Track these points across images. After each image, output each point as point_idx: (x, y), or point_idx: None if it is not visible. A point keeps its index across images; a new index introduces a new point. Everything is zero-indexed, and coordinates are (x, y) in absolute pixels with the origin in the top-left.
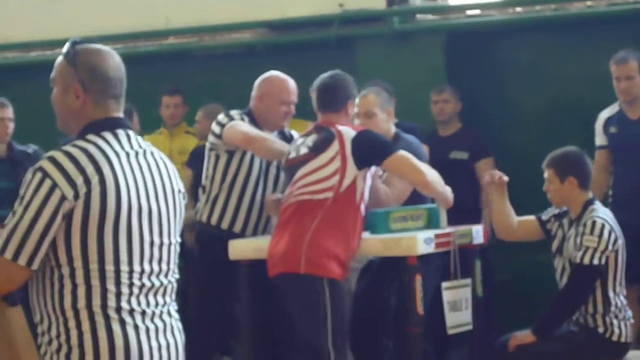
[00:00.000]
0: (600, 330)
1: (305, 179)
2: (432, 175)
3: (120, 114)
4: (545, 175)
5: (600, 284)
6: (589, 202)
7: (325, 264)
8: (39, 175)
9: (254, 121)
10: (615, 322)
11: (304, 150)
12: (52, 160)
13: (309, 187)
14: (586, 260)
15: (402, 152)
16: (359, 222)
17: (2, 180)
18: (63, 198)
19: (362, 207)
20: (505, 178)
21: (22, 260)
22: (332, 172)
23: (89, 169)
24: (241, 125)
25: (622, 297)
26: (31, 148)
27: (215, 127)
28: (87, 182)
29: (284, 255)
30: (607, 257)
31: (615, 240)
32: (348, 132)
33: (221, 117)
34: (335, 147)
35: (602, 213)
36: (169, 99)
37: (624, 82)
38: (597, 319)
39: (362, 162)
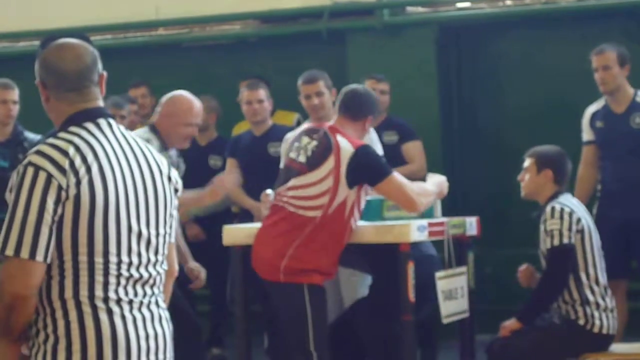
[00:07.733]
0: (581, 322)
1: (296, 190)
2: (422, 199)
3: (96, 104)
4: (525, 164)
5: (571, 269)
6: (553, 196)
7: (304, 273)
8: (30, 169)
9: (159, 137)
10: (596, 313)
11: (302, 159)
12: (40, 153)
13: (299, 201)
14: (556, 242)
15: (396, 177)
16: (346, 236)
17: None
18: (60, 188)
19: (352, 221)
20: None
21: (40, 257)
22: (323, 191)
23: (77, 160)
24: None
25: (601, 288)
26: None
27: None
28: (76, 173)
29: (264, 264)
30: (574, 237)
31: (579, 220)
32: (346, 149)
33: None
34: (330, 163)
35: (563, 199)
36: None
37: (601, 72)
38: (577, 310)
39: (355, 183)
